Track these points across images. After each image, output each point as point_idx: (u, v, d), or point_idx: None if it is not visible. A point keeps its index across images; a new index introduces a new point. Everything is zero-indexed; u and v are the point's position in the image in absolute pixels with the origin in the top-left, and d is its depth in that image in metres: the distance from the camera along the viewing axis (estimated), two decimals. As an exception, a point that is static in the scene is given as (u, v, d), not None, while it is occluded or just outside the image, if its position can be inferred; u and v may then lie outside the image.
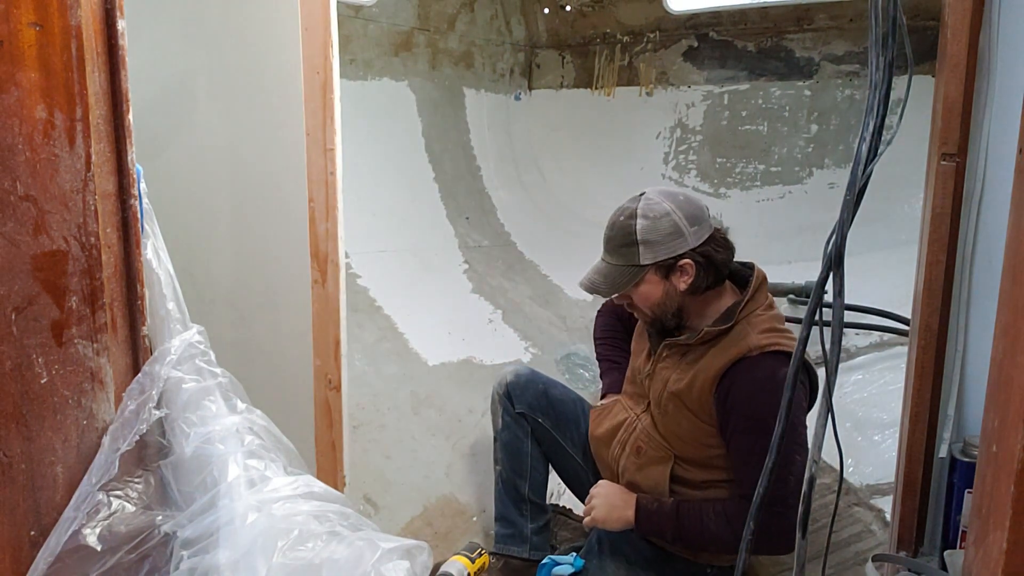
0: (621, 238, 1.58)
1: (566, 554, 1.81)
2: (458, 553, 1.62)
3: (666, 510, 1.58)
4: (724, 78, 3.69)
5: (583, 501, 2.00)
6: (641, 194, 1.62)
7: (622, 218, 1.59)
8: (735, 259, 1.67)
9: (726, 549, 1.59)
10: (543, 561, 1.74)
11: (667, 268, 1.58)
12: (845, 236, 1.03)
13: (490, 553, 1.84)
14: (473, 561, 1.60)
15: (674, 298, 1.60)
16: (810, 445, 1.03)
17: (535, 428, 1.95)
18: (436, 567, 1.55)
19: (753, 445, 1.50)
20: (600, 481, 1.73)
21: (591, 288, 1.64)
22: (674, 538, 1.59)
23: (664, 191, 1.62)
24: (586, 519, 1.68)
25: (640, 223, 1.56)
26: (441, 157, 3.76)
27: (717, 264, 1.60)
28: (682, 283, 1.58)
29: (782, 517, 1.46)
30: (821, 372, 1.42)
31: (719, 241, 1.61)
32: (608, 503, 1.65)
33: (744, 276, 1.66)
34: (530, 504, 1.95)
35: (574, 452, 1.95)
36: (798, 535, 1.07)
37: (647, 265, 1.56)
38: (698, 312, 1.63)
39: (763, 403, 1.47)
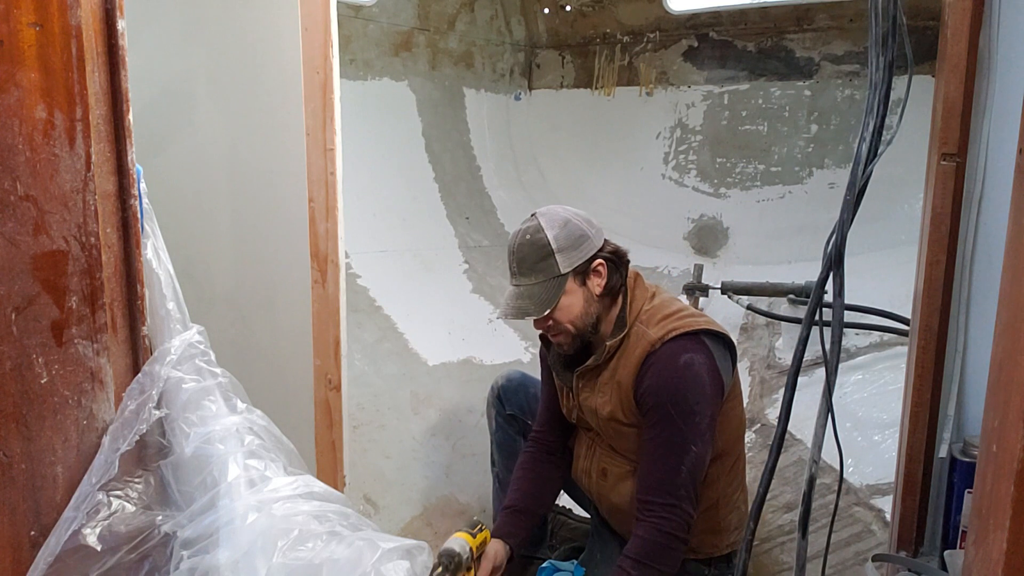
0: (536, 254, 1.56)
1: (565, 557, 1.81)
2: (459, 530, 1.63)
3: None
4: (724, 78, 3.69)
5: (576, 501, 2.01)
6: (532, 215, 1.62)
7: (528, 236, 1.57)
8: None
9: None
10: (543, 565, 1.75)
11: (583, 273, 1.58)
12: (845, 236, 1.04)
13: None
14: (474, 536, 1.61)
15: (593, 304, 1.60)
16: (810, 445, 1.04)
17: (525, 429, 1.96)
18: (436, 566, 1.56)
19: (656, 437, 1.53)
20: None
21: (520, 314, 1.57)
22: None
23: (550, 206, 1.63)
24: None
25: (551, 233, 1.55)
26: (441, 157, 3.76)
27: (622, 257, 1.63)
28: (597, 287, 1.59)
29: (674, 509, 1.48)
30: (820, 373, 1.42)
31: (609, 242, 1.64)
32: None
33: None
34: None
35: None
36: (798, 535, 1.07)
37: (567, 273, 1.56)
38: (609, 320, 1.63)
39: (666, 391, 1.50)
